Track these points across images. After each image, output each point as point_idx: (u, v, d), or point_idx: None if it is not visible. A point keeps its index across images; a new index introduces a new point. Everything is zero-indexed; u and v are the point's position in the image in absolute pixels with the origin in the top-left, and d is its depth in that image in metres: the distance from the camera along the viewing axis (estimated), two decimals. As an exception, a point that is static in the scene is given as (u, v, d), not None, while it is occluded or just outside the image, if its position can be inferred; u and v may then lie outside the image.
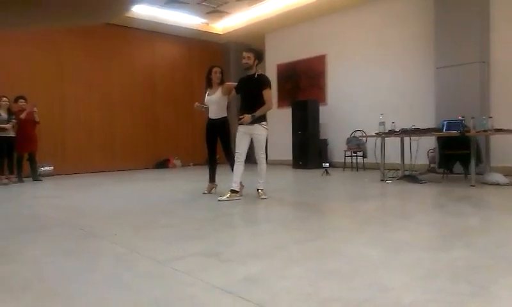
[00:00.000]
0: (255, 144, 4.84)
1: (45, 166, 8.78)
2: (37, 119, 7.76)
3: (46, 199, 5.74)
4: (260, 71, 4.92)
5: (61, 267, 2.42)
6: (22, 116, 7.46)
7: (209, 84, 5.32)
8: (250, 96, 4.80)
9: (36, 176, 7.96)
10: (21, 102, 7.65)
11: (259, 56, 4.88)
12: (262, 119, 4.78)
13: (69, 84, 9.50)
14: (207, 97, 5.31)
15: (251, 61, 4.78)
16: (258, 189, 4.88)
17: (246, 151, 4.84)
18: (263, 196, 4.79)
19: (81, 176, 8.99)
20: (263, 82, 4.78)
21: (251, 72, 4.83)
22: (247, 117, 4.65)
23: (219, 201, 4.62)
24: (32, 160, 7.92)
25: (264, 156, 4.90)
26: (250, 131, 4.77)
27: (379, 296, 1.82)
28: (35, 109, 7.72)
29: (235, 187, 4.76)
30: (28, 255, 2.71)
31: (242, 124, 4.73)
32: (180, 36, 11.27)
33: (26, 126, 7.60)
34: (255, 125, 4.74)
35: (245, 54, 4.79)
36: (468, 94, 6.99)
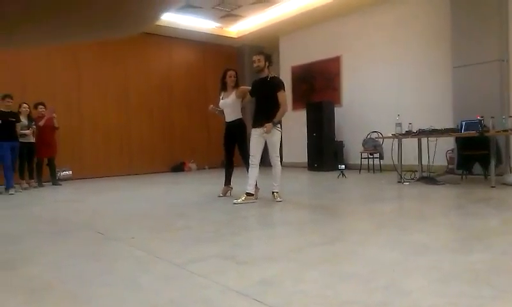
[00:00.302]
0: (269, 147, 4.85)
1: (64, 171, 8.95)
2: (56, 124, 7.92)
3: (65, 203, 5.85)
4: (273, 74, 4.94)
5: (80, 269, 2.47)
6: (41, 123, 7.63)
7: (224, 88, 5.36)
8: (264, 99, 4.82)
9: (55, 181, 8.12)
10: (40, 108, 7.81)
11: (269, 58, 4.91)
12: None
13: (86, 88, 9.68)
14: (221, 101, 5.34)
15: (262, 64, 4.81)
16: (273, 192, 4.88)
17: (261, 153, 4.86)
18: (278, 199, 4.79)
19: (99, 180, 9.13)
20: (277, 84, 4.79)
21: (264, 75, 4.86)
22: (269, 126, 4.67)
23: (234, 204, 4.64)
24: (51, 165, 8.08)
25: (278, 158, 4.90)
26: (264, 134, 4.78)
27: (397, 299, 1.80)
28: (54, 115, 7.88)
29: (251, 189, 4.77)
30: (49, 258, 2.77)
31: (267, 133, 4.74)
32: (195, 41, 11.36)
33: (45, 132, 7.76)
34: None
35: (255, 57, 4.85)
36: (487, 93, 6.85)
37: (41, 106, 7.84)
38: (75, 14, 0.32)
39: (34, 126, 7.59)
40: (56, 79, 9.22)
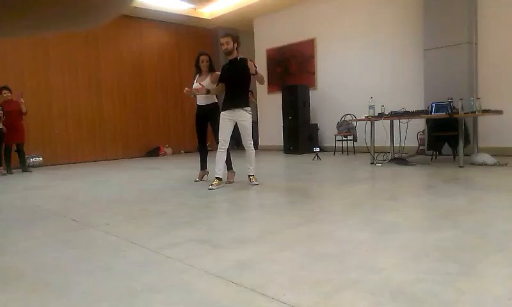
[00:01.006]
0: (242, 131, 4.82)
1: (34, 157, 8.70)
2: (24, 109, 7.64)
3: (37, 190, 5.71)
4: (240, 55, 4.88)
5: (54, 257, 2.43)
6: (23, 109, 7.46)
7: (198, 71, 5.28)
8: (236, 82, 4.77)
9: (25, 167, 7.89)
10: (5, 93, 7.51)
11: (237, 40, 4.86)
12: (246, 104, 4.79)
13: (55, 72, 9.35)
14: (195, 84, 5.26)
15: (230, 46, 4.75)
16: (249, 175, 4.89)
17: (229, 137, 4.83)
18: (254, 182, 4.81)
19: (71, 166, 8.92)
20: (248, 65, 4.75)
21: (233, 57, 4.80)
22: (251, 64, 4.68)
23: (210, 189, 4.63)
24: (20, 151, 7.82)
25: (251, 142, 4.89)
26: (235, 117, 4.75)
27: (369, 277, 1.86)
28: (22, 100, 7.60)
29: (220, 174, 4.75)
30: (21, 246, 2.71)
31: (254, 74, 4.72)
32: (167, 22, 11.12)
33: (12, 117, 7.49)
34: (240, 110, 4.73)
35: (223, 40, 4.76)
36: (457, 75, 7.03)
37: (5, 90, 7.54)
38: (45, 9, 0.32)
39: (1, 112, 7.31)
40: (24, 62, 8.87)
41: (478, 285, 1.75)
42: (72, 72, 9.61)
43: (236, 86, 4.77)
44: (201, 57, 5.22)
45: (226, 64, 4.94)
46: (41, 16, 0.32)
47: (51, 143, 9.24)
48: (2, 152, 7.49)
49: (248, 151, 4.87)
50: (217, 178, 4.73)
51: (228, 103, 4.79)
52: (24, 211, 4.05)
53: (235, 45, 4.79)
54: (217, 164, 4.77)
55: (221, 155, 4.79)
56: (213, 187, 4.65)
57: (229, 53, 4.79)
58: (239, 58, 4.80)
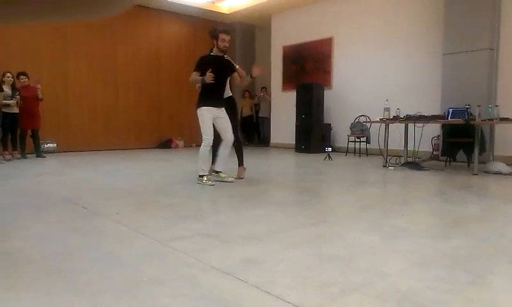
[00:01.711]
0: (223, 126, 4.72)
1: (48, 143, 8.82)
2: (40, 96, 7.75)
3: (49, 176, 5.78)
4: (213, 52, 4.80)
5: (63, 244, 2.45)
6: (40, 95, 7.60)
7: None
8: (220, 79, 4.67)
9: (39, 153, 8.00)
10: (22, 79, 7.62)
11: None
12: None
13: (73, 60, 9.46)
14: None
15: (228, 44, 4.74)
16: (216, 171, 4.83)
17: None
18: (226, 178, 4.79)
19: (84, 153, 9.03)
20: (233, 65, 4.79)
21: (222, 54, 4.73)
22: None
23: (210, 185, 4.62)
24: (35, 137, 7.94)
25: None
26: (216, 114, 4.66)
27: (376, 281, 1.84)
28: (39, 86, 7.70)
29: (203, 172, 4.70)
30: (32, 232, 2.74)
31: (258, 74, 4.79)
32: (185, 15, 11.14)
33: (29, 103, 7.60)
34: (222, 108, 4.69)
35: (226, 37, 4.69)
36: (475, 81, 6.90)
37: (23, 76, 7.65)
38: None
39: (18, 97, 7.41)
40: (42, 50, 8.99)
41: (487, 296, 1.71)
42: (89, 61, 9.70)
43: (220, 82, 4.69)
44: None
45: (212, 58, 4.73)
46: (42, 3, 0.32)
47: (66, 130, 9.35)
48: (18, 137, 7.60)
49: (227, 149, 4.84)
50: (201, 175, 4.68)
51: (215, 99, 4.70)
52: (35, 196, 4.10)
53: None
54: (205, 163, 4.76)
55: (209, 152, 4.77)
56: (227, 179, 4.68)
57: (226, 51, 4.73)
58: (226, 57, 4.77)
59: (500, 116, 5.67)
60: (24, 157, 7.67)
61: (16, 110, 7.40)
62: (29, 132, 7.83)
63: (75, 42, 9.45)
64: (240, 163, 5.14)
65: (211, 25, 11.86)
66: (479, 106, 5.62)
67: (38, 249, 2.37)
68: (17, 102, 7.38)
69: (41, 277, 1.91)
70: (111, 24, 9.94)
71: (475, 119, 5.55)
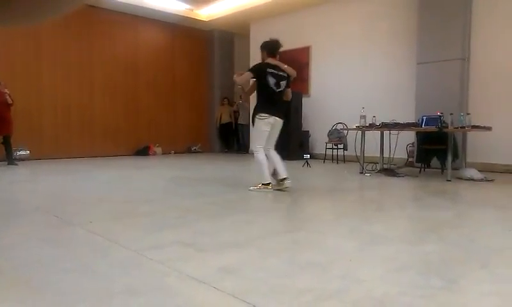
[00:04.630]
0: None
1: (21, 150, 8.57)
2: (9, 100, 7.51)
3: (21, 184, 5.61)
4: (267, 61, 4.76)
5: (35, 254, 2.38)
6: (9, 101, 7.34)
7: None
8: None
9: (11, 160, 7.76)
10: (-5, 84, 7.41)
11: (265, 47, 4.78)
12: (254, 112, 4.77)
13: (47, 65, 9.25)
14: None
15: (263, 55, 4.78)
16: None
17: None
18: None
19: (59, 161, 8.81)
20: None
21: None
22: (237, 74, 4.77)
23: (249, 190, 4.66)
24: (7, 144, 7.70)
25: (255, 150, 4.84)
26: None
27: (352, 288, 1.85)
28: (6, 91, 7.49)
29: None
30: (2, 241, 2.65)
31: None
32: (164, 21, 11.08)
33: (0, 108, 7.37)
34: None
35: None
36: (448, 90, 7.10)
37: (-5, 81, 7.44)
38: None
39: (-11, 103, 7.19)
40: (15, 54, 8.77)
41: (460, 301, 1.75)
42: (64, 66, 9.52)
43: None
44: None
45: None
46: None
47: (39, 137, 9.12)
48: (-11, 144, 7.38)
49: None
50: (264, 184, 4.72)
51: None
52: (5, 205, 3.97)
53: (264, 53, 4.76)
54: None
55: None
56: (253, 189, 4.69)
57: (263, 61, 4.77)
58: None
59: (472, 124, 5.84)
60: (-6, 164, 7.44)
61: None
62: (1, 139, 7.59)
63: (50, 46, 9.26)
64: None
65: (190, 33, 11.91)
66: (451, 114, 5.78)
67: (8, 259, 2.29)
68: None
69: (11, 289, 1.84)
70: (87, 29, 9.80)
71: (447, 127, 5.71)
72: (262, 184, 4.69)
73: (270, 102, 4.73)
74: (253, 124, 4.79)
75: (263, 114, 4.68)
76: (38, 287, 1.87)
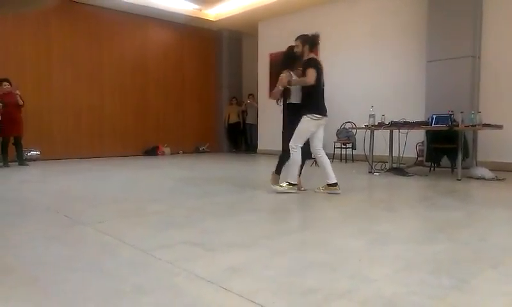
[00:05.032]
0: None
1: (32, 151, 8.66)
2: (20, 102, 7.59)
3: (32, 184, 5.68)
4: (311, 56, 4.55)
5: (44, 253, 2.40)
6: (20, 102, 7.44)
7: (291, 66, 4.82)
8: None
9: (22, 161, 7.85)
10: (5, 85, 7.48)
11: (307, 41, 4.61)
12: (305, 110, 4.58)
13: (57, 66, 9.34)
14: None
15: (299, 49, 4.58)
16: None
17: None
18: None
19: (69, 161, 8.89)
20: (303, 65, 4.54)
21: (304, 59, 4.58)
22: (283, 78, 4.56)
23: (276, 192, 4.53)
24: (18, 144, 7.78)
25: (292, 148, 4.71)
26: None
27: (361, 287, 1.83)
28: (17, 92, 7.56)
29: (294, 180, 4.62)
30: (11, 240, 2.68)
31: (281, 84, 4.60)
32: (172, 22, 11.11)
33: (11, 109, 7.45)
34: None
35: (295, 43, 4.62)
36: (458, 88, 7.02)
37: (5, 83, 7.51)
38: None
39: (0, 104, 7.28)
40: (26, 55, 8.86)
41: (470, 301, 1.72)
42: (74, 67, 9.60)
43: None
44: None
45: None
46: None
47: (50, 138, 9.20)
48: (0, 144, 7.45)
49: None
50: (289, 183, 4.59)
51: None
52: (16, 204, 4.01)
53: (306, 46, 4.55)
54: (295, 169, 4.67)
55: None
56: (278, 190, 4.57)
57: (300, 56, 4.60)
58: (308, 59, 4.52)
59: (483, 122, 5.77)
60: (6, 165, 7.52)
61: (-3, 117, 7.27)
62: (12, 140, 7.68)
63: (60, 47, 9.34)
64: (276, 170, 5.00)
65: (198, 33, 11.93)
66: (461, 112, 5.71)
67: (17, 258, 2.31)
68: (-1, 108, 7.24)
69: (20, 287, 1.86)
70: (97, 30, 9.87)
71: (458, 126, 5.64)
72: (290, 183, 4.55)
73: (322, 102, 4.59)
74: (295, 121, 4.61)
75: (317, 115, 4.51)
76: (46, 285, 1.89)
